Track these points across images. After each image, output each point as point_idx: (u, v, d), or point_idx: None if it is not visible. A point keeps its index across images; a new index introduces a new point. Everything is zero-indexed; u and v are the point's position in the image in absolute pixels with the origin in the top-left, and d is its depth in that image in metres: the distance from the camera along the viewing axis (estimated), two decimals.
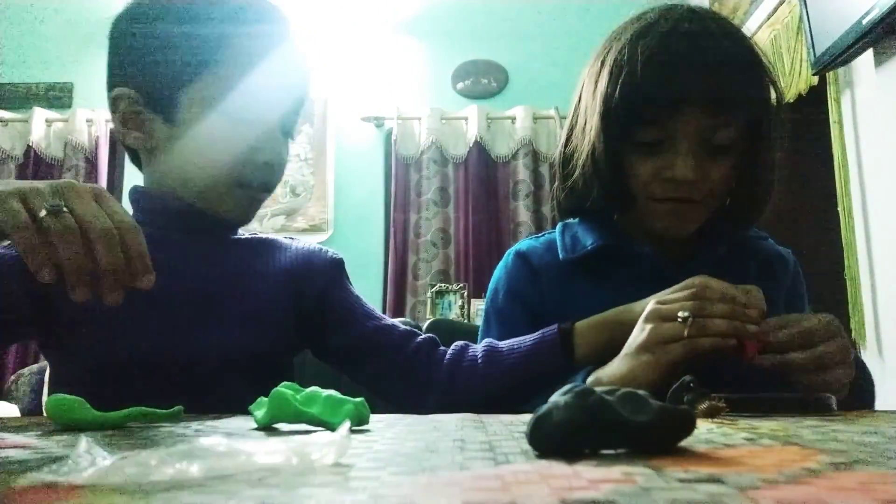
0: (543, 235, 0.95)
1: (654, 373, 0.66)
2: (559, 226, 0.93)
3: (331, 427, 0.45)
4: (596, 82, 0.81)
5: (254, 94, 0.78)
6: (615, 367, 0.70)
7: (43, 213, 0.52)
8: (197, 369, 0.77)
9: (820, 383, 0.64)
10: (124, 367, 0.75)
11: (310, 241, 0.95)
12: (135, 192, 0.85)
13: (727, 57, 0.75)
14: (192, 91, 0.78)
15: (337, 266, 0.92)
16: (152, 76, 0.78)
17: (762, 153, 0.80)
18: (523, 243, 0.94)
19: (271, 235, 0.94)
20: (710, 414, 0.53)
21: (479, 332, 0.92)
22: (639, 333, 0.69)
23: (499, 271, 0.93)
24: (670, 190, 0.78)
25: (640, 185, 0.80)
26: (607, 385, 0.71)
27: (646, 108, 0.76)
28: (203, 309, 0.79)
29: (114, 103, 0.80)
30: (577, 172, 0.84)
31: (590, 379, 0.72)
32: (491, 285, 0.93)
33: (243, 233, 0.91)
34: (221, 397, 0.72)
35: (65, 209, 0.53)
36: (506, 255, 0.94)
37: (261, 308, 0.83)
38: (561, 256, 0.88)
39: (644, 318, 0.69)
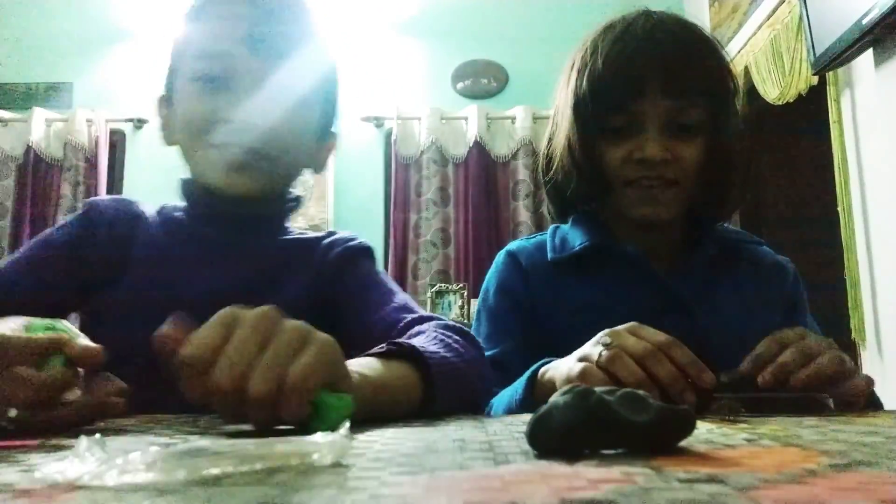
0: (535, 237, 0.98)
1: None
2: (550, 227, 0.96)
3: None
4: (567, 82, 0.88)
5: (202, 53, 0.78)
6: (559, 370, 0.68)
7: None
8: None
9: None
10: (145, 362, 0.74)
11: (339, 233, 0.90)
12: (182, 183, 0.85)
13: (680, 41, 0.82)
14: (180, 72, 0.81)
15: (347, 256, 0.86)
16: (168, 73, 0.84)
17: (727, 134, 0.84)
18: (514, 244, 0.97)
19: (313, 234, 0.90)
20: (728, 413, 0.53)
21: (472, 330, 0.92)
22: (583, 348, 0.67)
23: (491, 271, 0.95)
24: (642, 170, 0.82)
25: (614, 172, 0.84)
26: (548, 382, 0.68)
27: (611, 94, 0.82)
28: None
29: (158, 113, 0.86)
30: (556, 164, 0.89)
31: (541, 375, 0.71)
32: (483, 285, 0.95)
33: (295, 230, 0.89)
34: None
35: None
36: (497, 255, 0.96)
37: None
38: (549, 257, 0.91)
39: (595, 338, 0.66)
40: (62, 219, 0.69)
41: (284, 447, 0.30)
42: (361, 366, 0.55)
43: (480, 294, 0.95)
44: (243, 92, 0.77)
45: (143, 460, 0.27)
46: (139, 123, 3.69)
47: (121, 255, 0.79)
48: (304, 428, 0.45)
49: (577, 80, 0.85)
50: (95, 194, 3.54)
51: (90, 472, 0.26)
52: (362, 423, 0.50)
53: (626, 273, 0.86)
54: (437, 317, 0.77)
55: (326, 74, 0.86)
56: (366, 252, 0.88)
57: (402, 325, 0.75)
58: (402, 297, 0.82)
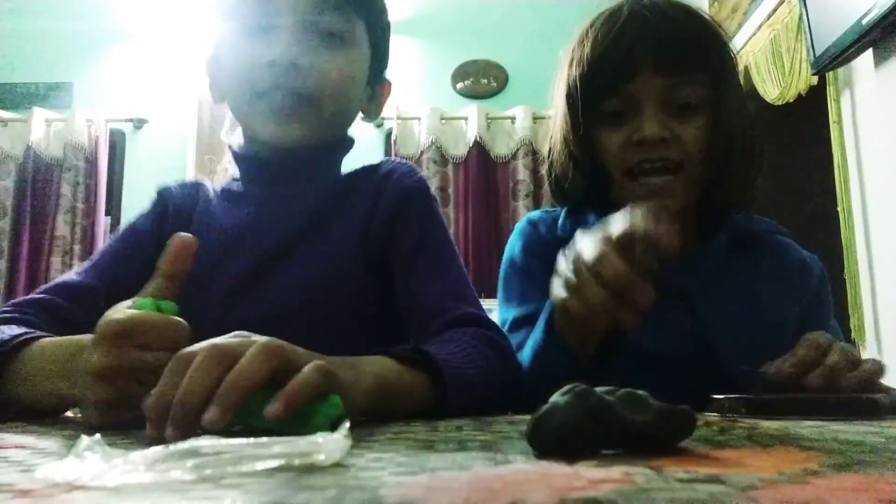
0: (555, 210, 0.95)
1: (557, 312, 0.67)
2: (565, 208, 0.93)
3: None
4: (560, 77, 0.87)
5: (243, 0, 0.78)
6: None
7: None
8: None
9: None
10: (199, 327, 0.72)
11: (394, 162, 0.86)
12: (231, 151, 0.85)
13: (671, 18, 0.80)
14: (220, 21, 0.81)
15: (406, 195, 0.81)
16: (213, 28, 0.83)
17: (729, 112, 0.81)
18: (534, 213, 0.95)
19: (366, 165, 0.86)
20: (728, 412, 0.53)
21: (498, 300, 0.90)
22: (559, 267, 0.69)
23: (512, 238, 0.93)
24: (643, 153, 0.79)
25: (615, 160, 0.81)
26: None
27: (602, 77, 0.80)
28: (267, 266, 0.77)
29: (206, 72, 0.85)
30: (552, 158, 0.88)
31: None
32: (506, 254, 0.92)
33: (348, 170, 0.86)
34: None
35: None
36: (518, 224, 0.95)
37: (327, 265, 0.77)
38: (559, 233, 0.88)
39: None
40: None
41: (284, 447, 0.30)
42: (378, 368, 0.55)
43: (504, 263, 0.92)
44: (285, 34, 0.75)
45: (143, 460, 0.27)
46: (139, 123, 3.69)
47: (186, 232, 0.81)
48: (294, 430, 0.43)
49: (568, 71, 0.84)
50: (95, 194, 3.55)
51: (90, 472, 0.26)
52: (363, 422, 0.50)
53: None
54: (481, 316, 0.75)
55: (376, 14, 0.83)
56: (423, 193, 0.83)
57: (444, 319, 0.72)
58: (454, 272, 0.79)
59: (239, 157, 0.84)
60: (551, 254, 0.86)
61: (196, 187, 0.88)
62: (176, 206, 0.85)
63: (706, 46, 0.81)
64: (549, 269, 0.85)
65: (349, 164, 0.88)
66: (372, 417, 0.55)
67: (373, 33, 0.83)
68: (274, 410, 0.39)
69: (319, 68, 0.76)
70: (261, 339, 0.44)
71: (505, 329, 0.83)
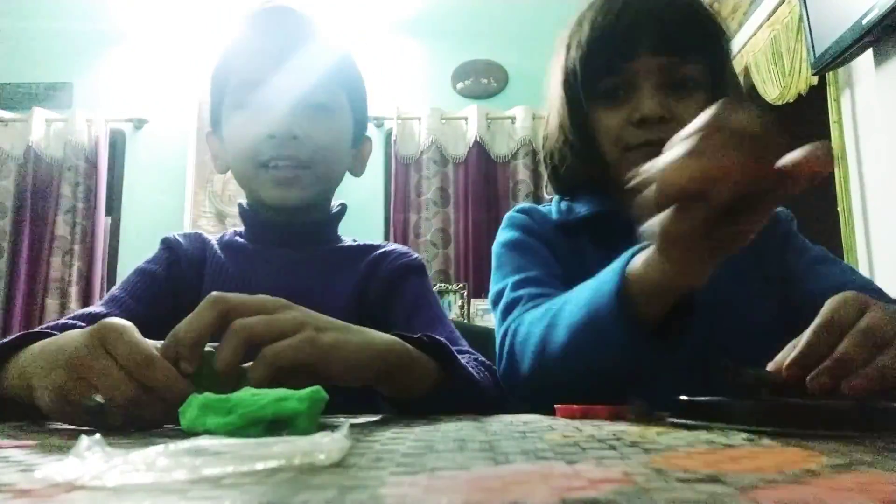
0: (539, 206, 0.97)
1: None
2: (555, 198, 0.95)
3: (297, 419, 0.42)
4: (557, 63, 0.88)
5: (242, 83, 0.88)
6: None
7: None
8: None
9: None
10: None
11: (394, 245, 0.98)
12: (240, 208, 0.96)
13: (670, 0, 0.81)
14: (225, 105, 0.90)
15: (400, 271, 0.91)
16: (212, 110, 0.94)
17: (726, 93, 0.82)
18: (521, 205, 0.97)
19: (367, 242, 0.97)
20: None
21: (492, 280, 0.87)
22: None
23: (503, 228, 0.94)
24: (642, 133, 0.79)
25: (612, 139, 0.82)
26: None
27: (601, 55, 0.81)
28: None
29: (209, 146, 0.96)
30: (548, 146, 0.90)
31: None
32: (498, 239, 0.91)
33: (349, 240, 0.97)
34: None
35: (101, 401, 0.47)
36: (506, 216, 0.95)
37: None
38: (555, 219, 0.90)
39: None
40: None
41: (284, 447, 0.30)
42: (389, 338, 0.60)
43: (498, 246, 0.90)
44: (283, 109, 0.86)
45: (143, 460, 0.27)
46: (139, 123, 3.68)
47: (197, 280, 0.89)
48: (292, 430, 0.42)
49: (566, 54, 0.85)
50: (95, 194, 3.55)
51: (90, 472, 0.26)
52: (362, 422, 0.50)
53: (633, 243, 0.83)
54: (474, 353, 0.83)
55: (355, 85, 0.95)
56: (418, 269, 0.94)
57: None
58: (448, 327, 0.87)
59: (247, 218, 0.94)
60: (548, 235, 0.88)
61: (201, 239, 0.95)
62: (187, 256, 0.92)
63: (704, 28, 0.82)
64: (548, 246, 0.87)
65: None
66: (372, 416, 0.55)
67: (354, 102, 0.94)
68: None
69: (313, 137, 0.87)
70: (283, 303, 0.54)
71: (503, 294, 0.81)
